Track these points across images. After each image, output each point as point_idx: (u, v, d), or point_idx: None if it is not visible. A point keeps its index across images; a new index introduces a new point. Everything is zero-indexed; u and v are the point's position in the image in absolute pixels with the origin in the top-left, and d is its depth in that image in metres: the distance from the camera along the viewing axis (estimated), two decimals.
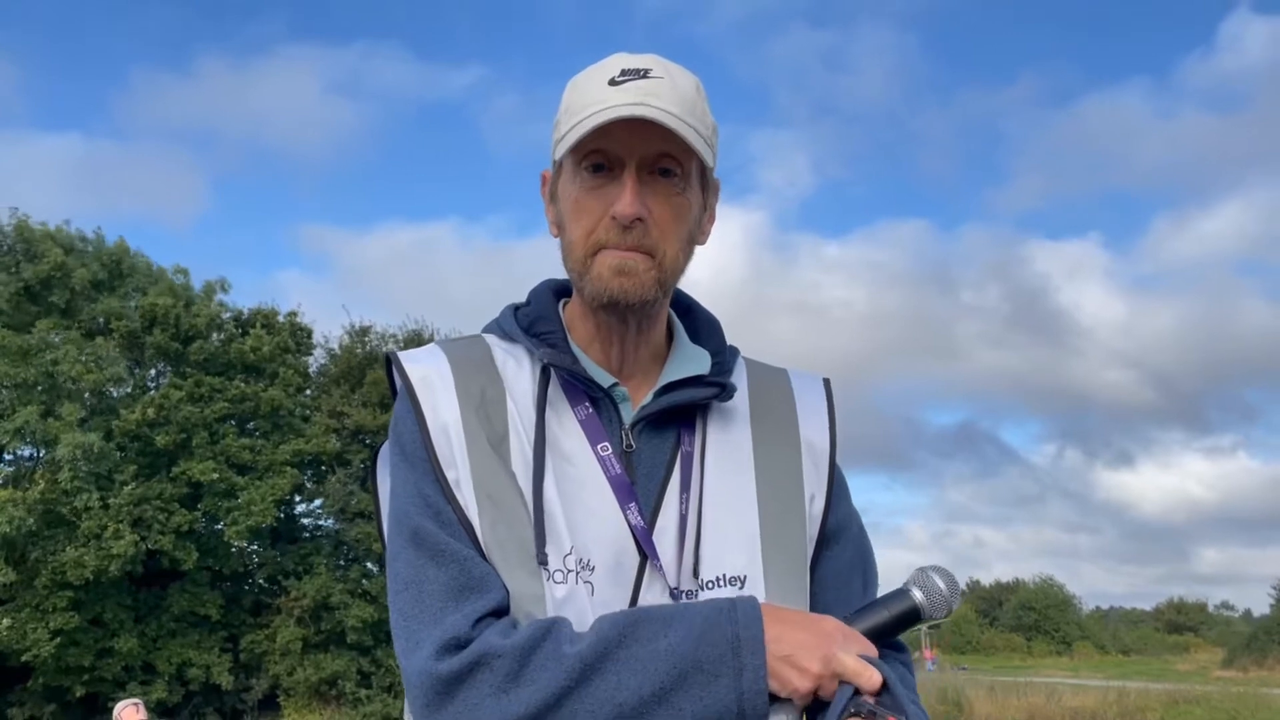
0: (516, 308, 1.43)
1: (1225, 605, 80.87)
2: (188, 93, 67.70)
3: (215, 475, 24.84)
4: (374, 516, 1.42)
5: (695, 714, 1.12)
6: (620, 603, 1.24)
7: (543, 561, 1.22)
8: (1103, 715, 22.48)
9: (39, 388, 24.51)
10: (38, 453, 25.69)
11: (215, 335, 27.34)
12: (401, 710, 1.44)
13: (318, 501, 28.34)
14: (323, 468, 27.75)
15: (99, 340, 25.47)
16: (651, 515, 1.29)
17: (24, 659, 23.42)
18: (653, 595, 1.25)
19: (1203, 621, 72.50)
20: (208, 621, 25.75)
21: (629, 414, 1.34)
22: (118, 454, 24.94)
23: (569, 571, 1.23)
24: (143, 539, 23.99)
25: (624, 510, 1.27)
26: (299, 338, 29.01)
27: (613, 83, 1.26)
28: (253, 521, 24.96)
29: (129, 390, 26.80)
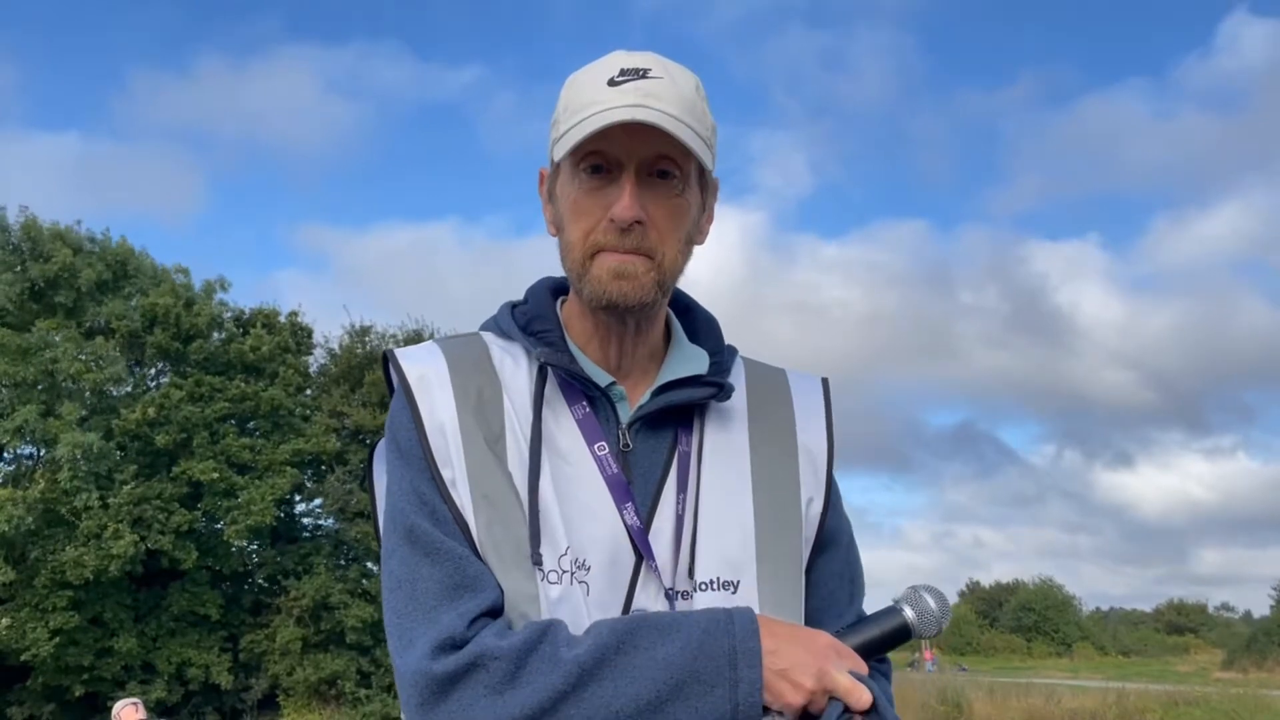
0: (514, 305, 1.43)
1: (1225, 606, 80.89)
2: (185, 92, 67.74)
3: (215, 475, 24.84)
4: (371, 515, 1.43)
5: None
6: (615, 603, 1.24)
7: (537, 561, 1.22)
8: (1102, 716, 22.46)
9: (39, 387, 24.50)
10: (38, 452, 25.69)
11: (215, 335, 27.35)
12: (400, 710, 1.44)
13: (317, 501, 28.35)
14: (323, 467, 27.75)
15: (99, 339, 25.47)
16: (648, 515, 1.28)
17: (23, 658, 23.42)
18: (647, 595, 1.25)
19: (1203, 623, 72.48)
20: (207, 621, 25.74)
21: (626, 413, 1.33)
22: (118, 453, 24.95)
23: (564, 572, 1.23)
24: (142, 539, 23.99)
25: (620, 510, 1.26)
26: (299, 337, 29.02)
27: (612, 83, 1.25)
28: (252, 521, 24.96)
29: (129, 390, 26.81)
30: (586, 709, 1.11)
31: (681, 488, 1.31)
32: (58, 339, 24.94)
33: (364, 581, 26.06)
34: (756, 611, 1.25)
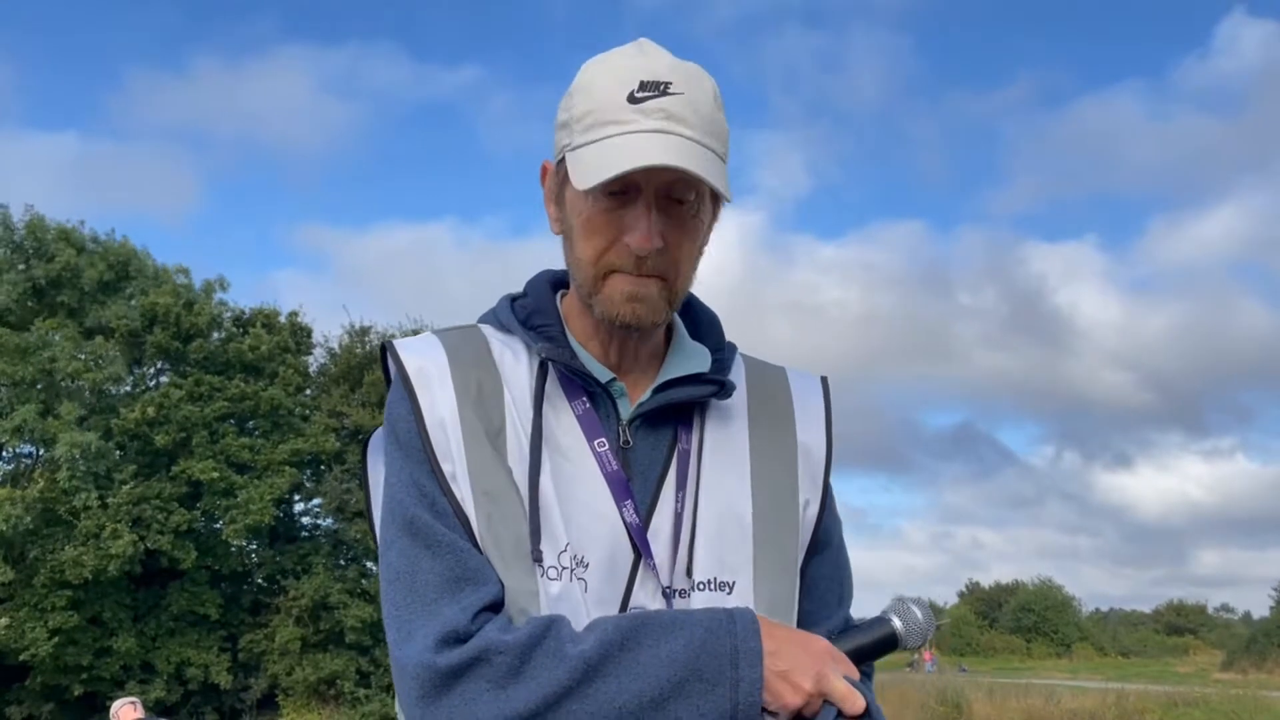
0: (513, 299, 1.42)
1: (1225, 607, 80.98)
2: (183, 92, 67.73)
3: (215, 474, 24.85)
4: (366, 508, 1.41)
5: None
6: (613, 600, 1.24)
7: (537, 558, 1.21)
8: (1101, 717, 22.48)
9: (37, 386, 24.50)
10: (36, 451, 25.70)
11: (215, 335, 27.37)
12: None
13: (316, 501, 28.38)
14: (322, 467, 27.77)
15: (98, 339, 25.47)
16: (646, 513, 1.28)
17: (22, 658, 23.42)
18: (645, 593, 1.25)
19: (1202, 624, 72.52)
20: (206, 621, 25.76)
21: (626, 410, 1.33)
22: (117, 453, 24.97)
23: (563, 568, 1.22)
24: (141, 538, 24.00)
25: (619, 507, 1.26)
26: (299, 337, 29.04)
27: (633, 99, 1.22)
28: (251, 520, 24.97)
29: (128, 389, 26.82)
30: (590, 705, 1.11)
31: (680, 486, 1.30)
32: (57, 338, 24.94)
33: (363, 581, 26.07)
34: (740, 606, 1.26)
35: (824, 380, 1.48)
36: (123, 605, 25.03)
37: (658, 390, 1.33)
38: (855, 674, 1.22)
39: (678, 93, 1.24)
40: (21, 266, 26.40)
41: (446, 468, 1.24)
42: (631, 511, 1.26)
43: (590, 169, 1.21)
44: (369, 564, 26.73)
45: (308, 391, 28.96)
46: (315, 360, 29.83)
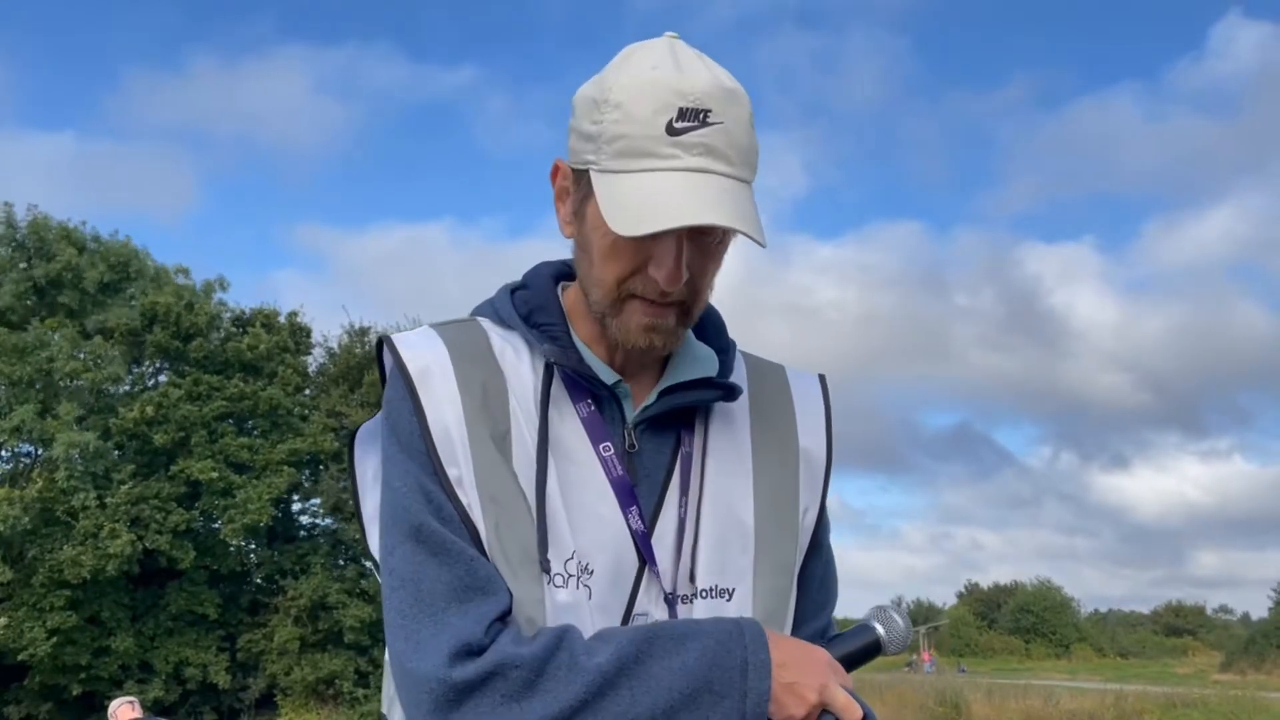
0: (513, 290, 1.38)
1: (1223, 609, 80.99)
2: (180, 92, 67.68)
3: (214, 474, 24.84)
4: (353, 500, 1.38)
5: None
6: (617, 607, 1.23)
7: (545, 566, 1.19)
8: (1100, 718, 22.48)
9: (36, 386, 24.50)
10: (35, 451, 25.70)
11: (215, 334, 27.37)
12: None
13: (315, 500, 28.37)
14: (320, 467, 27.76)
15: (96, 339, 25.47)
16: (651, 518, 1.26)
17: (21, 658, 23.41)
18: (649, 600, 1.24)
19: (1201, 625, 72.57)
20: (205, 620, 25.75)
21: (630, 412, 1.30)
22: (115, 453, 24.96)
23: (569, 576, 1.21)
24: (140, 538, 23.99)
25: (625, 514, 1.24)
26: (298, 337, 29.04)
27: (671, 130, 1.17)
28: (249, 520, 24.96)
29: (127, 388, 26.82)
30: (604, 717, 1.10)
31: (684, 491, 1.29)
32: (56, 337, 24.94)
33: (362, 581, 26.06)
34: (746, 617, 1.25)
35: (822, 379, 1.47)
36: (121, 605, 25.02)
37: (663, 393, 1.31)
38: (850, 684, 1.22)
39: (717, 122, 1.18)
40: (23, 265, 26.41)
41: (452, 472, 1.21)
42: (636, 518, 1.24)
43: (626, 211, 1.16)
44: (368, 564, 26.70)
45: (306, 391, 28.96)
46: (314, 360, 29.85)
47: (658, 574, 1.25)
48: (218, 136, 67.14)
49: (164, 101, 67.88)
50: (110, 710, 9.57)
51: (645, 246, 1.20)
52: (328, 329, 37.63)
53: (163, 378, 27.32)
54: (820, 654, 1.21)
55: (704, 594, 1.27)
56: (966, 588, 73.13)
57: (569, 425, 1.27)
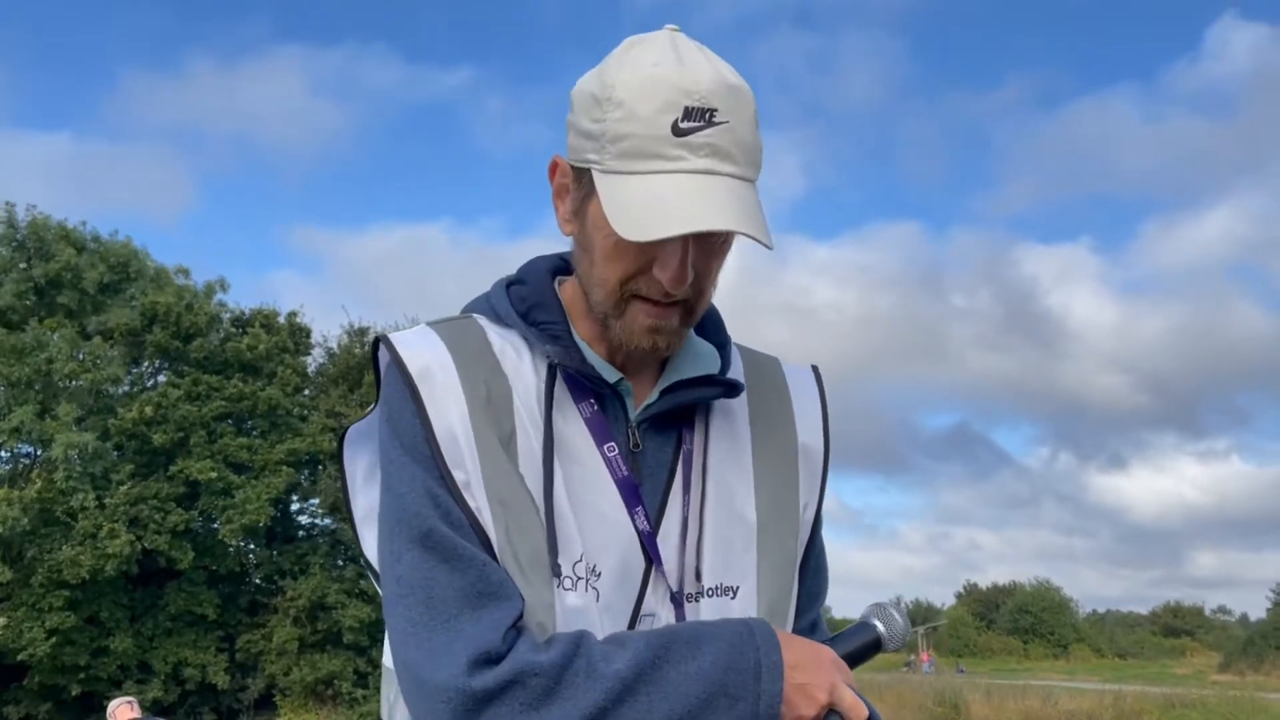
0: (509, 284, 1.36)
1: (1222, 609, 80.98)
2: (177, 92, 67.69)
3: (213, 474, 24.82)
4: (344, 501, 1.35)
5: None
6: (624, 609, 1.22)
7: (556, 570, 1.18)
8: (1099, 718, 22.49)
9: (35, 387, 24.49)
10: (35, 452, 25.69)
11: (214, 334, 27.36)
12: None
13: (314, 501, 28.34)
14: (319, 467, 27.75)
15: (95, 340, 25.47)
16: (656, 518, 1.26)
17: (20, 658, 23.40)
18: (656, 600, 1.24)
19: (1199, 625, 72.56)
20: (204, 621, 25.74)
21: (632, 410, 1.29)
22: (114, 453, 24.94)
23: (578, 579, 1.20)
24: (139, 538, 23.97)
25: (631, 514, 1.24)
26: (298, 338, 29.03)
27: (677, 131, 1.15)
28: (247, 520, 24.94)
29: (127, 389, 26.81)
30: None
31: (686, 489, 1.28)
32: (55, 338, 24.94)
33: (361, 582, 26.03)
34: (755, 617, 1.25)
35: (816, 370, 1.46)
36: (120, 605, 25.00)
37: (666, 391, 1.30)
38: (854, 682, 1.22)
39: (723, 122, 1.16)
40: (23, 265, 26.41)
41: (459, 475, 1.18)
42: (642, 518, 1.24)
43: (635, 217, 1.14)
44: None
45: (305, 392, 28.95)
46: (313, 361, 29.85)
47: (664, 574, 1.24)
48: (215, 137, 67.17)
49: (161, 102, 67.89)
50: (109, 710, 9.56)
51: (650, 248, 1.18)
52: (327, 329, 37.70)
53: (162, 378, 27.31)
54: (827, 654, 1.21)
55: (710, 592, 1.26)
56: (965, 588, 73.14)
57: (573, 426, 1.25)
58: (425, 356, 1.25)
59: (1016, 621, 62.48)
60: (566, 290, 1.34)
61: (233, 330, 27.97)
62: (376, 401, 1.30)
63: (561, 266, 1.37)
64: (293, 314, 29.31)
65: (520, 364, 1.28)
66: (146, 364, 27.50)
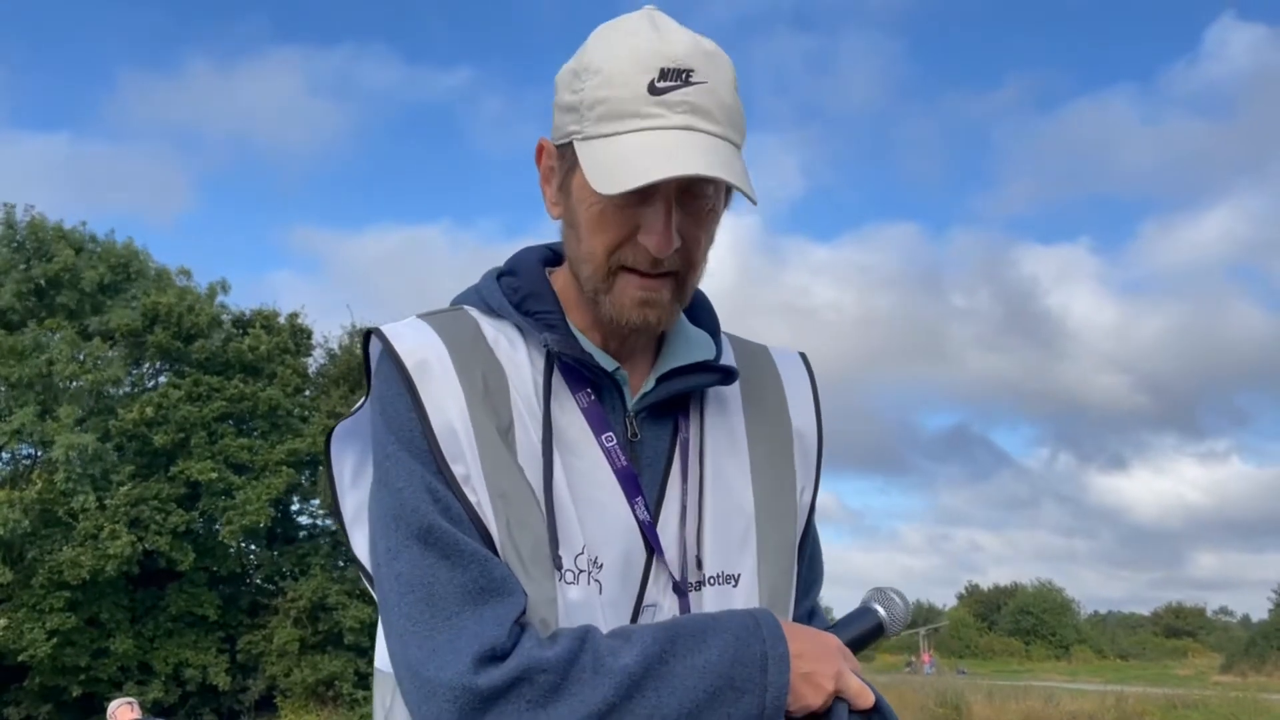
0: (499, 275, 1.34)
1: (1224, 610, 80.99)
2: (175, 93, 67.85)
3: (213, 475, 24.83)
4: (331, 501, 1.33)
5: None
6: (627, 600, 1.21)
7: (558, 563, 1.17)
8: (1101, 719, 22.47)
9: (36, 388, 24.51)
10: (36, 453, 25.71)
11: (215, 335, 27.37)
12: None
13: (315, 501, 28.34)
14: (320, 468, 27.75)
15: (95, 340, 25.48)
16: (655, 507, 1.25)
17: (20, 659, 23.40)
18: (657, 590, 1.22)
19: (1201, 626, 72.58)
20: (205, 622, 25.73)
21: (629, 399, 1.28)
22: (115, 454, 24.95)
23: (580, 572, 1.18)
24: (140, 539, 23.98)
25: (631, 504, 1.22)
26: (299, 338, 29.04)
27: (654, 90, 1.15)
28: (247, 521, 24.95)
29: (127, 389, 26.83)
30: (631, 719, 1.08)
31: (684, 477, 1.27)
32: (55, 338, 24.96)
33: (362, 582, 26.02)
34: (756, 605, 1.24)
35: (804, 357, 1.45)
36: (121, 606, 25.00)
37: (662, 379, 1.28)
38: (859, 668, 1.21)
39: (700, 81, 1.16)
40: (23, 266, 26.43)
41: (458, 470, 1.16)
42: (642, 508, 1.22)
43: (611, 172, 1.14)
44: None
45: (307, 393, 28.95)
46: (315, 362, 29.86)
47: (666, 563, 1.23)
48: (213, 138, 67.34)
49: (159, 103, 68.02)
50: (109, 711, 9.56)
51: (633, 214, 1.17)
52: (328, 330, 37.65)
53: (163, 379, 27.31)
54: (832, 641, 1.20)
55: (711, 581, 1.25)
56: (967, 589, 73.17)
57: (570, 416, 1.24)
58: (420, 349, 1.22)
59: (1018, 623, 62.50)
60: (558, 279, 1.32)
61: (234, 331, 27.97)
62: (365, 397, 1.27)
63: (551, 257, 1.35)
64: (294, 315, 29.33)
65: (515, 355, 1.26)
66: (147, 365, 27.51)
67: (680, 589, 1.23)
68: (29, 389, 24.44)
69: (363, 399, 1.28)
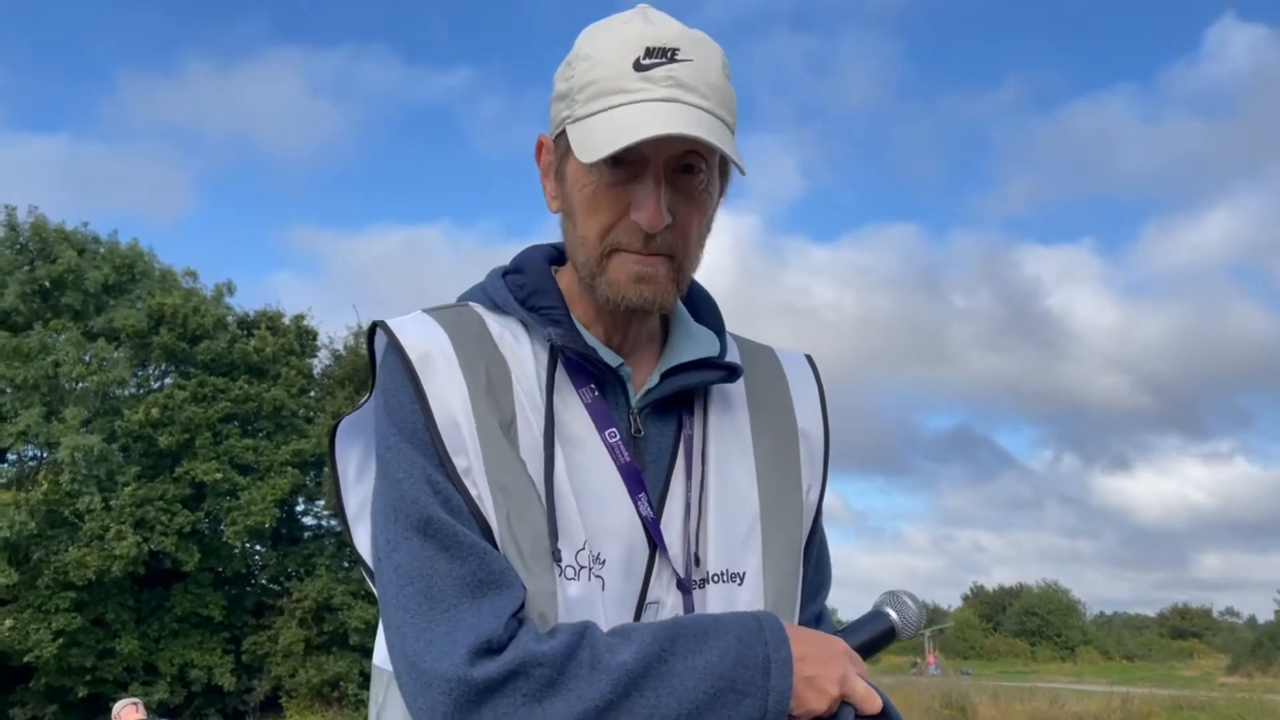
0: (504, 273, 1.34)
1: (1230, 611, 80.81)
2: (174, 94, 68.01)
3: (218, 475, 24.86)
4: (335, 496, 1.34)
5: None
6: (630, 597, 1.20)
7: (557, 557, 1.16)
8: None
9: (41, 389, 24.55)
10: (41, 454, 25.76)
11: (220, 336, 27.41)
12: None
13: (320, 502, 28.39)
14: (324, 469, 27.78)
15: (100, 341, 25.53)
16: (658, 504, 1.24)
17: (26, 659, 23.44)
18: (660, 587, 1.22)
19: (1207, 627, 72.44)
20: (210, 623, 25.76)
21: (633, 396, 1.27)
22: (120, 455, 24.99)
23: (581, 567, 1.17)
24: (145, 540, 24.02)
25: (634, 501, 1.21)
26: (304, 340, 29.07)
27: (639, 66, 1.17)
28: (252, 521, 24.98)
29: (133, 391, 26.87)
30: (628, 719, 1.07)
31: (688, 474, 1.26)
32: (61, 340, 25.00)
33: (367, 583, 26.04)
34: (761, 605, 1.24)
35: (810, 359, 1.45)
36: (126, 607, 25.04)
37: (665, 375, 1.28)
38: (866, 673, 1.20)
39: (686, 59, 1.18)
40: (26, 268, 26.49)
41: (459, 462, 1.16)
42: (645, 504, 1.22)
43: (596, 141, 1.15)
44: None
45: (312, 393, 28.98)
46: (319, 363, 29.90)
47: (669, 560, 1.22)
48: (213, 139, 67.47)
49: (159, 104, 68.15)
50: (115, 712, 9.57)
51: (624, 192, 1.18)
52: (332, 331, 37.69)
53: (168, 380, 27.36)
54: (838, 645, 1.19)
55: (715, 578, 1.24)
56: (972, 590, 73.07)
57: (573, 411, 1.24)
58: (424, 342, 1.23)
59: (1023, 624, 62.42)
60: (563, 277, 1.32)
61: (239, 332, 28.00)
62: (371, 392, 1.28)
63: (556, 256, 1.36)
64: (299, 317, 29.36)
65: (520, 350, 1.26)
66: (153, 366, 27.55)
67: (684, 586, 1.22)
68: (34, 390, 24.48)
69: (368, 395, 1.29)
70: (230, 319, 28.24)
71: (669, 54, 1.18)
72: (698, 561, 1.24)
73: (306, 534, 28.79)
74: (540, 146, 1.30)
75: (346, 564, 27.44)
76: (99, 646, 24.43)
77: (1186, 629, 71.34)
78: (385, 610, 1.16)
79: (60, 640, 23.38)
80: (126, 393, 26.68)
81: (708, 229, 1.27)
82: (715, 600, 1.23)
